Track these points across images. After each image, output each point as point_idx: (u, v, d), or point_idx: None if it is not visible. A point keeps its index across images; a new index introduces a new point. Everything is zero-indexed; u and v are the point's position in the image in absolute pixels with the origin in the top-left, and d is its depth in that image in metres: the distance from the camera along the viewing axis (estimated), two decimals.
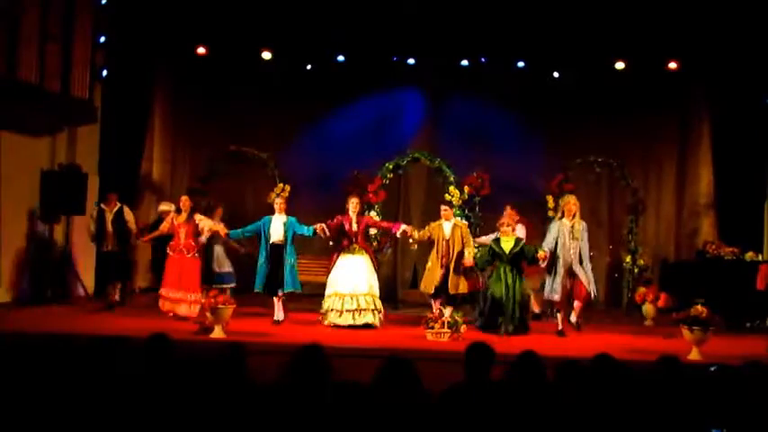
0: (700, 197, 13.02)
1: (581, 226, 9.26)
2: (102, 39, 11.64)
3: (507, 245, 9.42)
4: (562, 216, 9.37)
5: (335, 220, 9.80)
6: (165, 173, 13.14)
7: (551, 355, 6.32)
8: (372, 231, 11.17)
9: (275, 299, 9.70)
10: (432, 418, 4.09)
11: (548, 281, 9.34)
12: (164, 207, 10.83)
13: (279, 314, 9.70)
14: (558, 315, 9.35)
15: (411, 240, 10.52)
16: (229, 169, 12.57)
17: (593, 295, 9.32)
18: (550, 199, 12.22)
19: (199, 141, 13.33)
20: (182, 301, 9.62)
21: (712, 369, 4.65)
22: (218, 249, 10.53)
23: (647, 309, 10.93)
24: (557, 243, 9.22)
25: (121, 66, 12.07)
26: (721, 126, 12.63)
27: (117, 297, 10.62)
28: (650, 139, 13.35)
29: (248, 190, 13.05)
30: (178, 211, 9.97)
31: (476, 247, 9.97)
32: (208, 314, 8.51)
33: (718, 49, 11.84)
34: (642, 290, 11.08)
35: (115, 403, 4.18)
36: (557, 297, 9.25)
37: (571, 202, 9.37)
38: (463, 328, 9.02)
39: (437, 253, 9.75)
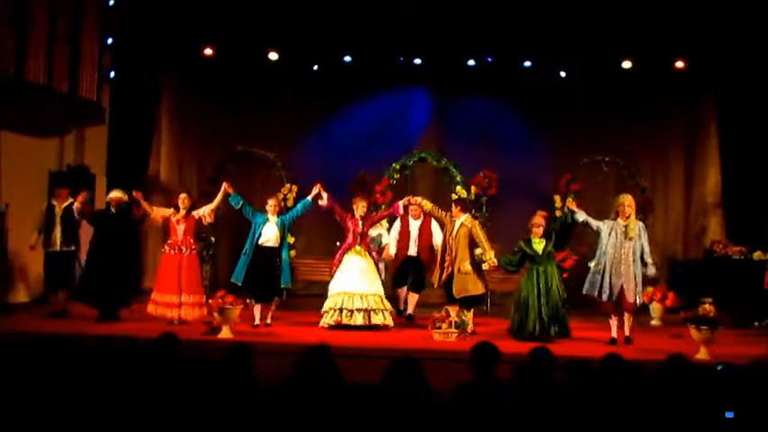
0: (707, 196, 12.96)
1: (637, 226, 8.76)
2: (110, 40, 11.67)
3: (539, 245, 9.01)
4: (616, 216, 8.81)
5: (340, 213, 9.76)
6: (173, 173, 13.13)
7: (561, 355, 6.32)
8: (378, 235, 11.02)
9: (261, 305, 9.40)
10: (439, 418, 4.09)
11: (590, 277, 8.85)
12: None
13: (262, 319, 9.39)
14: (611, 321, 8.82)
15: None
16: (237, 169, 12.57)
17: (637, 302, 8.79)
18: (557, 198, 12.21)
19: (206, 142, 13.36)
20: (184, 304, 9.23)
21: (720, 368, 4.64)
22: None
23: (655, 308, 10.92)
24: (607, 241, 8.73)
25: (129, 67, 12.10)
26: (729, 125, 12.56)
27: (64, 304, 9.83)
28: (657, 138, 13.30)
29: (256, 190, 13.04)
30: (176, 208, 9.58)
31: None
32: (215, 314, 8.55)
33: (725, 47, 11.77)
34: (650, 289, 11.03)
35: (123, 403, 4.20)
36: (595, 294, 8.73)
37: (626, 203, 8.79)
38: (470, 327, 9.00)
39: (441, 250, 9.46)
